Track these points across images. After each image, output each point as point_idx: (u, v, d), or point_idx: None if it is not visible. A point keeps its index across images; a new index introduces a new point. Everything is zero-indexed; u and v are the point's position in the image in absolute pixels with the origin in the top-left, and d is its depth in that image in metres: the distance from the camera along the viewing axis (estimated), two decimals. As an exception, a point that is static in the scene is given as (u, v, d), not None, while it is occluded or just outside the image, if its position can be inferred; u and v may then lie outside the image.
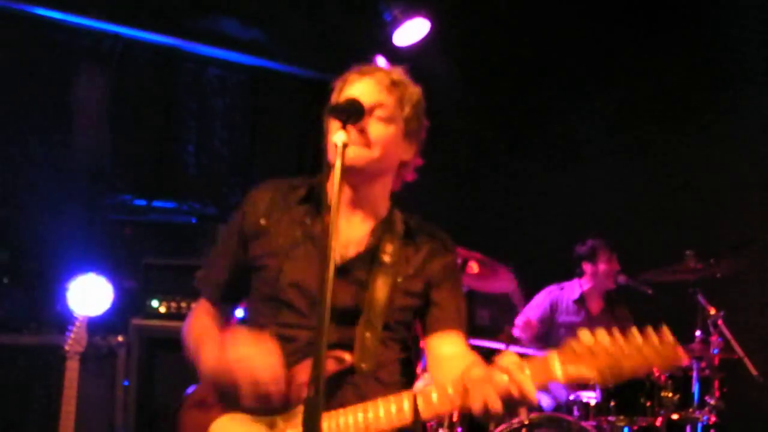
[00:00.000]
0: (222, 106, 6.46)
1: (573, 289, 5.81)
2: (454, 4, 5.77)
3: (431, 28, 5.03)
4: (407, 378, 2.39)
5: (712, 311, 4.74)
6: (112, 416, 4.54)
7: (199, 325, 2.40)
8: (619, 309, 5.75)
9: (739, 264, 4.86)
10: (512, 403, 1.86)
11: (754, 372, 4.71)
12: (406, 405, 2.01)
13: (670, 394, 4.59)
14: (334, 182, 1.91)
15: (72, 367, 3.76)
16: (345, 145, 1.96)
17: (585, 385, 4.85)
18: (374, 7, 4.86)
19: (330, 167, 2.21)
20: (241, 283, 2.38)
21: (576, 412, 4.72)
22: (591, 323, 5.65)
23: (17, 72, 5.35)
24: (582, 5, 6.15)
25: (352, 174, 2.24)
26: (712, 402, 4.59)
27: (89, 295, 3.98)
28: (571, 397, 4.85)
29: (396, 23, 4.86)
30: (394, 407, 2.02)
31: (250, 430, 2.13)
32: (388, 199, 2.41)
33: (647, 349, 1.82)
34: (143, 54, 5.99)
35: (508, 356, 1.92)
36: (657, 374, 4.48)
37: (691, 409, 4.61)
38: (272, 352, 2.08)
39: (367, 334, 2.20)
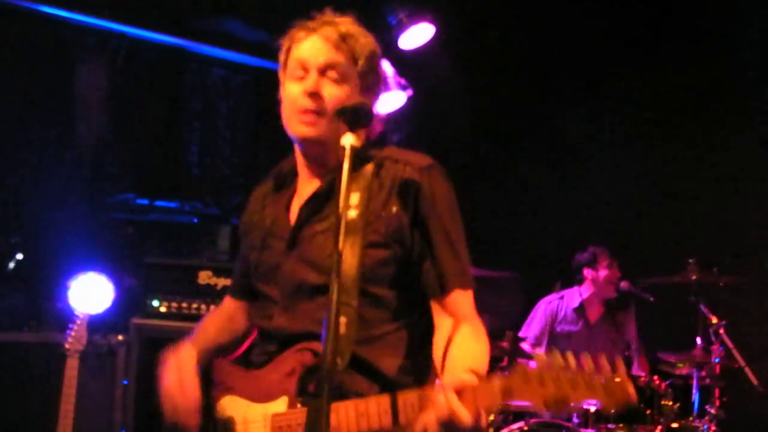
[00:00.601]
0: (226, 107, 6.46)
1: (573, 297, 5.80)
2: (459, 8, 5.77)
3: (435, 33, 5.03)
4: (416, 357, 2.12)
5: (714, 320, 4.73)
6: (111, 415, 4.53)
7: (205, 320, 2.47)
8: (621, 315, 5.73)
9: (741, 273, 4.85)
10: (453, 427, 1.77)
11: (754, 381, 4.71)
12: (389, 406, 1.86)
13: (671, 403, 4.58)
14: (342, 187, 1.79)
15: (72, 366, 3.76)
16: (353, 149, 1.84)
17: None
18: (379, 11, 4.86)
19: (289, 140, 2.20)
20: (249, 282, 2.37)
21: (575, 420, 4.71)
22: (589, 331, 5.65)
23: (21, 70, 5.35)
24: (586, 9, 6.15)
25: (308, 145, 2.15)
26: (713, 411, 4.59)
27: (90, 293, 3.98)
28: (571, 404, 4.84)
29: (401, 27, 4.86)
30: (375, 407, 1.87)
31: (246, 409, 2.13)
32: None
33: (597, 383, 1.72)
34: (148, 54, 5.99)
35: (450, 376, 1.86)
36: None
37: (691, 418, 4.61)
38: (188, 383, 2.16)
39: (342, 319, 1.91)
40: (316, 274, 2.06)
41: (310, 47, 2.13)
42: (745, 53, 5.91)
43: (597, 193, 6.18)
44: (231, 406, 2.15)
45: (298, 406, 2.01)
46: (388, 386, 1.99)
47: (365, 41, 2.17)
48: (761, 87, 5.85)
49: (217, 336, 2.40)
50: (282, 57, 2.20)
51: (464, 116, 6.49)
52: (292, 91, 2.14)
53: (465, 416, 1.75)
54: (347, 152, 1.83)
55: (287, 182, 2.29)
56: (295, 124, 2.12)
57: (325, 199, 2.13)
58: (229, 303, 2.48)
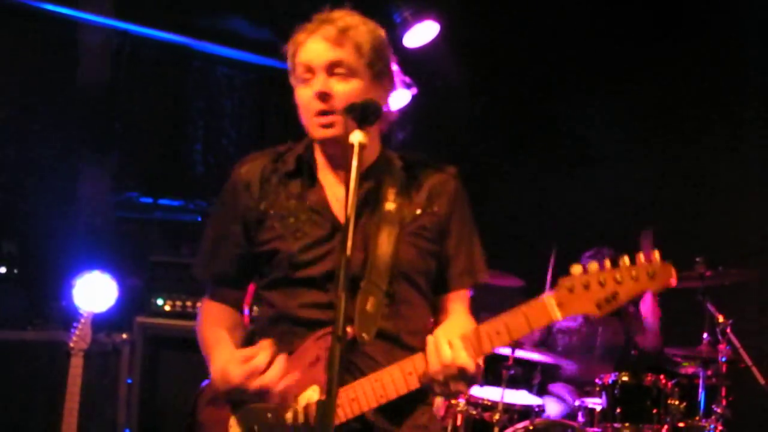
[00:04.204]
0: (230, 105, 6.45)
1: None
2: (464, 6, 5.75)
3: (440, 31, 5.01)
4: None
5: (721, 319, 4.70)
6: (116, 413, 4.53)
7: (210, 325, 2.34)
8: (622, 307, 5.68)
9: (748, 272, 4.82)
10: (455, 377, 1.95)
11: (761, 380, 4.68)
12: (411, 367, 2.03)
13: (677, 402, 4.56)
14: (350, 184, 1.84)
15: (76, 364, 3.76)
16: (362, 146, 1.88)
17: (591, 391, 4.84)
18: (384, 9, 4.85)
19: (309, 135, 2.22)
20: (247, 272, 2.33)
21: (581, 419, 4.70)
22: (589, 326, 5.62)
23: (25, 69, 5.36)
24: (592, 8, 6.13)
25: (330, 145, 2.18)
26: (719, 410, 4.56)
27: (94, 292, 3.98)
28: (577, 404, 4.83)
29: (406, 25, 4.84)
30: (399, 372, 2.03)
31: (269, 416, 2.10)
32: (376, 144, 2.27)
33: (638, 272, 1.88)
34: (152, 52, 5.99)
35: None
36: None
37: (697, 417, 4.58)
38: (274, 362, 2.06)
39: (370, 299, 2.09)
40: (360, 258, 2.12)
41: (312, 49, 2.15)
42: (754, 52, 5.88)
43: (603, 192, 6.16)
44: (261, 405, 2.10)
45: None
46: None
47: (366, 29, 2.18)
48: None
49: (231, 336, 2.31)
50: (289, 63, 2.22)
51: (468, 115, 6.47)
52: (303, 95, 2.17)
53: (467, 362, 1.96)
54: (356, 149, 1.87)
55: (304, 172, 2.26)
56: (314, 128, 2.17)
57: (372, 191, 2.20)
58: (218, 302, 2.37)
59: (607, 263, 1.90)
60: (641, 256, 1.88)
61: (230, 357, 2.11)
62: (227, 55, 6.21)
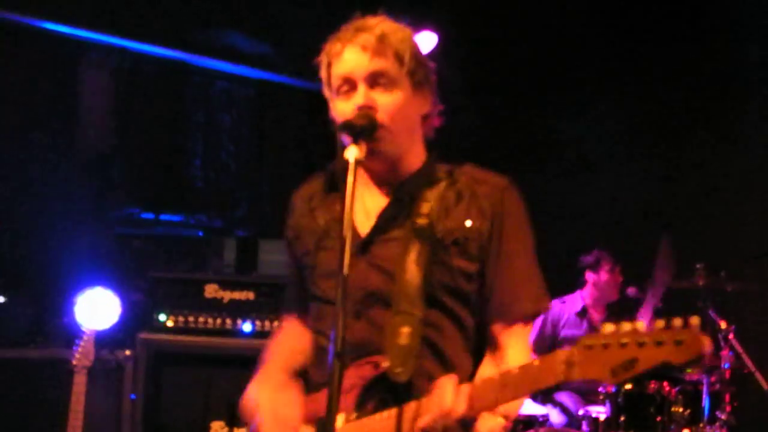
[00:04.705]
0: (229, 120, 6.47)
1: (575, 301, 5.79)
2: (462, 17, 5.77)
3: (438, 41, 5.03)
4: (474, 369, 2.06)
5: (723, 325, 4.70)
6: (119, 430, 4.52)
7: (277, 340, 2.30)
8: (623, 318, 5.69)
9: (750, 278, 4.82)
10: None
11: (765, 386, 4.68)
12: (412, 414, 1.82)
13: (681, 409, 4.55)
14: (346, 200, 1.75)
15: (79, 382, 3.76)
16: (358, 162, 1.80)
17: (595, 400, 4.83)
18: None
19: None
20: (306, 291, 2.22)
21: (585, 428, 4.69)
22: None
23: (25, 85, 5.37)
24: (589, 16, 6.15)
25: (370, 160, 1.97)
26: (723, 417, 4.56)
27: (96, 309, 3.98)
28: (581, 412, 4.82)
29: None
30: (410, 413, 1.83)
31: None
32: (421, 154, 2.15)
33: (665, 337, 1.57)
34: (151, 67, 6.01)
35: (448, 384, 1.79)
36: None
37: (701, 424, 4.57)
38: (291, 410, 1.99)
39: (403, 329, 1.90)
40: (388, 280, 1.98)
41: (350, 60, 2.01)
42: (753, 58, 5.90)
43: (603, 198, 6.17)
44: None
45: (353, 421, 1.93)
46: None
47: (404, 35, 2.07)
48: (768, 91, 5.85)
49: (289, 362, 2.24)
50: (323, 74, 2.09)
51: (467, 124, 6.48)
52: (343, 109, 2.03)
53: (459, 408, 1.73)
54: (351, 166, 1.79)
55: (335, 184, 2.17)
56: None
57: (400, 208, 2.06)
58: (288, 324, 2.33)
59: (639, 325, 1.60)
60: (677, 321, 1.57)
61: (269, 399, 2.05)
62: (226, 69, 6.22)
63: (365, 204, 2.10)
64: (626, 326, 1.61)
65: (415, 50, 2.08)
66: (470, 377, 2.01)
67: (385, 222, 2.04)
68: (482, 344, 2.08)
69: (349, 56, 2.01)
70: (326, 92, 2.11)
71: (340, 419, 1.95)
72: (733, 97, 5.96)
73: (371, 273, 2.01)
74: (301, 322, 2.28)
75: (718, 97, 5.97)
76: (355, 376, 1.96)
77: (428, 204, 2.03)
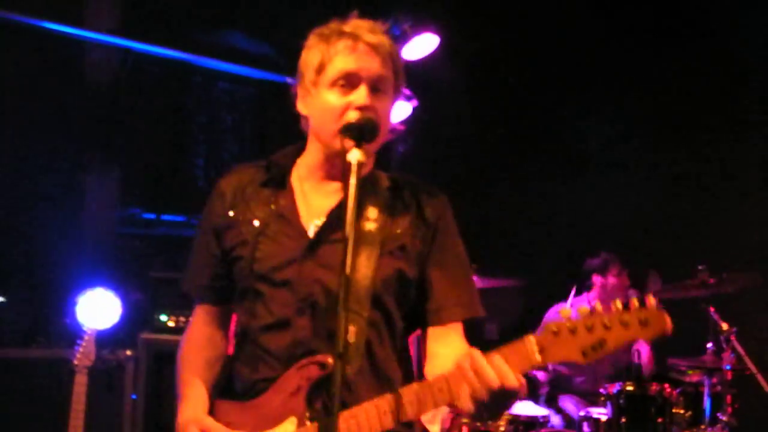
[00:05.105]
0: (231, 120, 6.48)
1: (581, 304, 5.77)
2: (464, 18, 5.77)
3: (440, 43, 5.03)
4: (405, 367, 2.13)
5: (725, 327, 4.69)
6: (120, 430, 4.53)
7: (188, 354, 2.25)
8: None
9: (752, 279, 4.81)
10: (497, 394, 1.74)
11: (767, 388, 4.66)
12: (389, 406, 1.85)
13: (682, 411, 4.55)
14: (349, 202, 1.75)
15: (80, 381, 3.76)
16: (360, 165, 1.80)
17: (596, 401, 4.82)
18: (383, 22, 4.87)
19: (303, 143, 2.13)
20: (225, 285, 2.17)
21: (586, 429, 4.68)
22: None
23: (30, 86, 5.38)
24: (592, 18, 6.15)
25: (334, 155, 2.03)
26: (724, 418, 4.55)
27: (98, 309, 3.98)
28: (582, 413, 4.82)
29: (405, 38, 4.85)
30: (374, 410, 1.85)
31: None
32: (369, 163, 2.15)
33: (630, 317, 1.71)
34: (154, 68, 6.02)
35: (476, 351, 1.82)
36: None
37: (702, 426, 4.57)
38: None
39: (351, 327, 1.92)
40: (335, 280, 1.95)
41: (360, 58, 2.00)
42: (757, 59, 5.90)
43: (606, 200, 6.17)
44: None
45: (308, 423, 1.93)
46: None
47: (396, 50, 2.08)
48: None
49: (208, 374, 2.23)
50: (313, 57, 2.06)
51: (470, 125, 6.49)
52: (334, 102, 2.01)
53: (509, 375, 1.74)
54: (353, 168, 1.80)
55: (277, 178, 2.16)
56: (337, 138, 1.98)
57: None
58: (201, 319, 2.27)
59: (598, 306, 1.73)
60: (635, 301, 1.71)
61: (193, 417, 2.08)
62: (228, 70, 6.23)
63: (310, 202, 2.10)
64: (584, 310, 1.75)
65: (401, 62, 2.11)
66: (390, 375, 2.06)
67: (334, 222, 2.03)
68: (402, 347, 2.13)
69: (359, 54, 2.00)
70: (307, 76, 2.08)
71: (291, 424, 1.95)
72: (735, 100, 5.95)
73: (318, 271, 2.01)
74: (214, 315, 2.24)
75: (721, 100, 5.96)
76: (299, 378, 1.96)
77: (375, 209, 2.06)
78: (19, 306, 4.98)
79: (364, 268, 1.98)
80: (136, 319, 4.69)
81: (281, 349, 2.01)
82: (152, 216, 5.90)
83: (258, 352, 2.04)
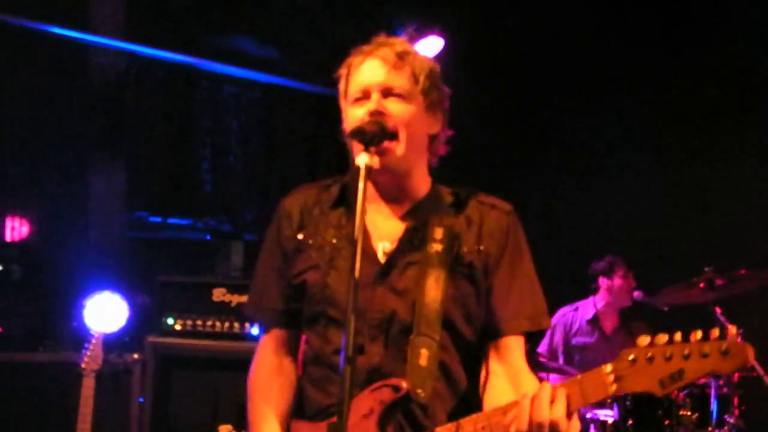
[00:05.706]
0: (237, 124, 6.49)
1: (587, 308, 5.76)
2: (468, 20, 5.78)
3: (444, 45, 5.04)
4: (474, 386, 2.10)
5: (732, 329, 4.68)
6: (128, 433, 4.54)
7: (260, 384, 2.21)
8: (636, 324, 5.69)
9: (759, 280, 4.80)
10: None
11: (773, 389, 4.66)
12: (485, 422, 1.86)
13: (689, 413, 4.53)
14: (357, 207, 1.78)
15: (88, 385, 3.77)
16: (369, 168, 1.83)
17: (602, 403, 4.82)
18: (388, 26, 4.88)
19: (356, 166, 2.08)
20: (299, 306, 2.15)
21: (593, 431, 4.68)
22: (606, 342, 5.61)
23: (36, 90, 5.40)
24: (599, 20, 6.14)
25: (377, 172, 2.00)
26: (731, 420, 4.53)
27: (105, 312, 3.99)
28: (588, 416, 4.81)
29: (410, 41, 4.87)
30: (470, 428, 1.86)
31: None
32: (427, 177, 2.18)
33: (710, 348, 1.67)
34: (160, 72, 6.04)
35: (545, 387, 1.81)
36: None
37: (710, 428, 4.55)
38: None
39: (423, 352, 1.95)
40: (407, 304, 2.01)
41: (369, 69, 2.08)
42: (762, 62, 5.89)
43: (612, 202, 6.16)
44: None
45: None
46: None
47: (422, 58, 2.15)
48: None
49: (281, 402, 2.18)
50: (341, 85, 2.15)
51: (476, 128, 6.48)
52: (354, 114, 2.07)
53: (560, 418, 1.75)
54: (362, 172, 1.82)
55: (346, 200, 2.15)
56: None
57: (418, 230, 2.09)
58: (271, 346, 2.23)
59: (677, 336, 1.69)
60: (716, 331, 1.68)
61: None
62: (234, 74, 6.24)
63: (377, 225, 2.11)
64: (662, 338, 1.70)
65: (432, 74, 2.14)
66: (465, 394, 2.07)
67: (406, 247, 2.06)
68: (474, 361, 2.12)
69: (368, 66, 2.09)
70: (342, 103, 2.16)
71: None
72: (740, 102, 5.95)
73: (390, 297, 2.02)
74: (284, 340, 2.22)
75: (728, 104, 5.96)
76: (372, 400, 1.96)
77: (441, 229, 2.07)
78: (27, 309, 5.00)
79: (433, 291, 1.99)
80: (143, 323, 4.70)
81: (355, 374, 1.94)
82: (159, 219, 5.91)
83: (332, 377, 2.03)
